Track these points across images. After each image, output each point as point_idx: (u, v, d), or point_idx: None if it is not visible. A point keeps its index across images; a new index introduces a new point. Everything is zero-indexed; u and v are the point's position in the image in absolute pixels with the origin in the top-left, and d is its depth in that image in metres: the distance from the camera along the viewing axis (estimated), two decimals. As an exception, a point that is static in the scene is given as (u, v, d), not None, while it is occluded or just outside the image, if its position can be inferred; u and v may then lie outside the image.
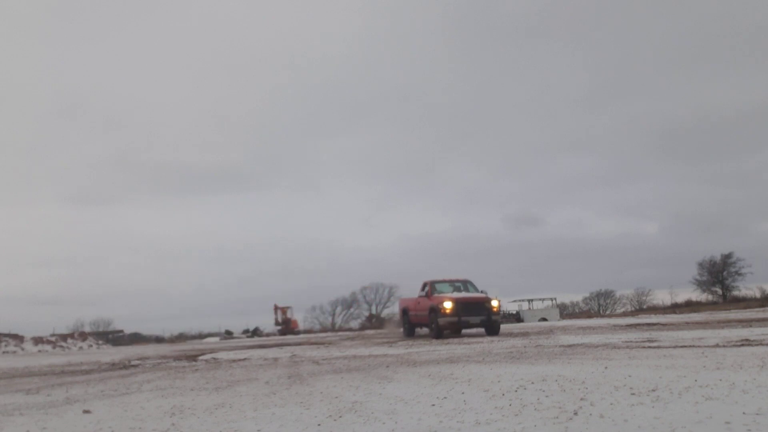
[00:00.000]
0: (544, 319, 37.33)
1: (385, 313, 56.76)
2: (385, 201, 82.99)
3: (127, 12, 71.16)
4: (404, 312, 19.98)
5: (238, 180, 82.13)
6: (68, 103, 72.93)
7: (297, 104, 79.19)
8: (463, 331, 19.09)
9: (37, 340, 32.60)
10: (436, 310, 16.32)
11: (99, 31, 72.12)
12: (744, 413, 3.04)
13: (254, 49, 77.41)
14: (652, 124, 73.63)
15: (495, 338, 14.34)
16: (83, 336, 38.21)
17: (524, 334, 15.37)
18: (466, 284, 18.56)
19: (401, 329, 21.18)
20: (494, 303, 16.47)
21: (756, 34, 66.63)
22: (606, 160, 76.65)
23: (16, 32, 68.66)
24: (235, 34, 75.77)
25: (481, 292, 17.67)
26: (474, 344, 12.09)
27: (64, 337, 35.89)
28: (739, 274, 48.21)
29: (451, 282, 18.62)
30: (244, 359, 11.45)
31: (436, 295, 17.46)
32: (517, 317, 39.29)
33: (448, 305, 16.00)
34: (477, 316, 16.12)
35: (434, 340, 14.95)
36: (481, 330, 18.54)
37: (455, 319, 15.93)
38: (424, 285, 18.70)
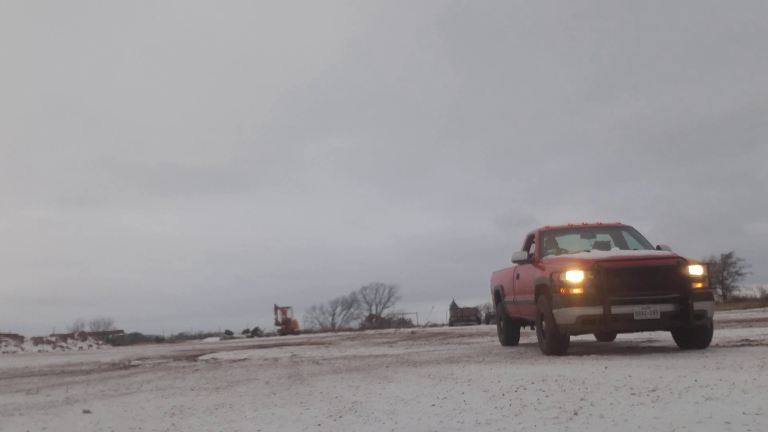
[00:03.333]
0: None
1: (385, 313, 56.81)
2: (383, 201, 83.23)
3: (116, 14, 71.40)
4: (497, 295, 10.70)
5: (234, 181, 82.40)
6: (61, 104, 73.37)
7: (292, 104, 79.50)
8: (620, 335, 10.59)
9: (37, 340, 32.59)
10: (547, 291, 7.65)
11: (87, 31, 72.22)
12: (744, 413, 3.04)
13: (245, 49, 77.65)
14: (649, 124, 73.67)
15: (495, 338, 14.08)
16: (83, 336, 38.21)
17: (524, 334, 15.35)
18: (619, 233, 9.04)
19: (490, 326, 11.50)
20: (695, 270, 7.24)
21: (748, 35, 66.69)
22: (601, 160, 76.71)
23: (2, 32, 68.85)
24: (223, 34, 75.90)
25: (657, 247, 8.49)
26: (474, 344, 12.08)
27: (64, 337, 35.87)
28: (739, 275, 48.13)
29: (584, 230, 9.29)
30: (244, 359, 11.45)
31: (550, 257, 8.47)
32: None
33: (573, 277, 7.20)
34: (655, 304, 7.05)
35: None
36: (658, 337, 10.13)
37: (597, 310, 7.02)
38: (530, 239, 9.42)
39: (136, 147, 78.58)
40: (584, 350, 8.28)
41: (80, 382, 7.81)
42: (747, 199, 68.44)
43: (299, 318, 52.68)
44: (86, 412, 4.68)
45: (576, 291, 7.18)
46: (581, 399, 3.79)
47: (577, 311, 7.11)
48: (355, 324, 55.16)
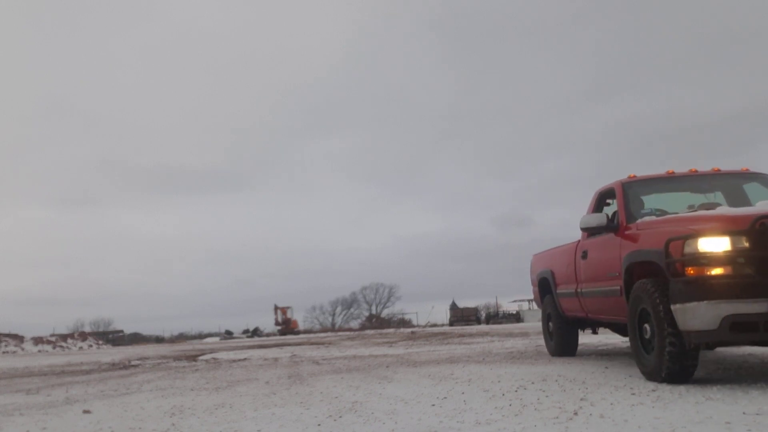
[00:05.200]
0: None
1: (385, 313, 56.82)
2: (383, 202, 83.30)
3: (116, 14, 71.54)
4: (544, 285, 7.84)
5: (234, 181, 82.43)
6: (61, 104, 73.55)
7: (292, 104, 79.64)
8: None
9: (37, 340, 32.57)
10: (656, 273, 4.48)
11: (86, 32, 72.28)
12: (744, 413, 3.04)
13: (245, 49, 77.83)
14: (649, 124, 73.69)
15: (495, 338, 14.10)
16: (83, 336, 38.19)
17: (524, 334, 15.34)
18: (738, 185, 5.97)
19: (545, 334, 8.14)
20: None
21: (748, 35, 66.74)
22: (601, 160, 76.63)
23: (2, 32, 68.99)
24: (223, 34, 76.03)
25: None
26: (474, 344, 12.09)
27: (64, 337, 35.85)
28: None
29: (694, 180, 6.09)
30: (244, 359, 11.45)
31: (647, 219, 5.21)
32: (517, 317, 39.38)
33: (713, 246, 3.98)
34: None
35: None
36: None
37: (761, 307, 3.78)
38: (603, 197, 6.44)
39: (136, 147, 78.70)
40: (584, 350, 8.28)
41: (80, 382, 7.81)
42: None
43: (299, 318, 52.67)
44: (86, 412, 4.68)
45: (720, 271, 4.01)
46: (581, 399, 3.79)
47: (722, 308, 3.92)
48: (355, 324, 55.10)
